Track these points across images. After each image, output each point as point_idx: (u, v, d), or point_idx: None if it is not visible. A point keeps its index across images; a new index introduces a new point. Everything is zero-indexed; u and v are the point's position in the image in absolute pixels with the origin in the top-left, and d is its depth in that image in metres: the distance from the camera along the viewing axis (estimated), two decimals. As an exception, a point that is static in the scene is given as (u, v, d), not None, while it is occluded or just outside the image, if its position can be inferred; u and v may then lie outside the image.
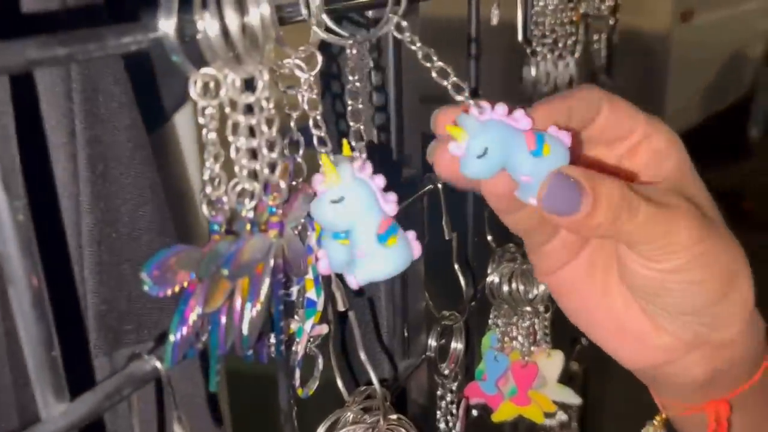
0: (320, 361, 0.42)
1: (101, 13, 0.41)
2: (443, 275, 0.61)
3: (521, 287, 0.66)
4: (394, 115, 0.51)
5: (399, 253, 0.34)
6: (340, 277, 0.39)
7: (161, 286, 0.29)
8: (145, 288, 0.29)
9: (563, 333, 0.62)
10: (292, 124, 0.35)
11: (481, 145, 0.33)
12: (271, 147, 0.32)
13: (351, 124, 0.35)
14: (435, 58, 0.35)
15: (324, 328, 0.41)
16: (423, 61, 0.36)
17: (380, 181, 0.34)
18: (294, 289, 0.37)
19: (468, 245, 0.65)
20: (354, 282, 0.34)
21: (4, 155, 0.26)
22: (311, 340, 0.40)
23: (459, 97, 0.35)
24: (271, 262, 0.32)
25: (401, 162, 0.53)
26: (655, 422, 0.49)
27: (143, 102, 0.45)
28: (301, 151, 0.35)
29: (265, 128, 0.31)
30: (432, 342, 0.59)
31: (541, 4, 0.66)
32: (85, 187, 0.41)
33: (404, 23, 0.36)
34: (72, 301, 0.40)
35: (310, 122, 0.35)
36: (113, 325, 0.43)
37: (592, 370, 0.97)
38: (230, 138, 0.31)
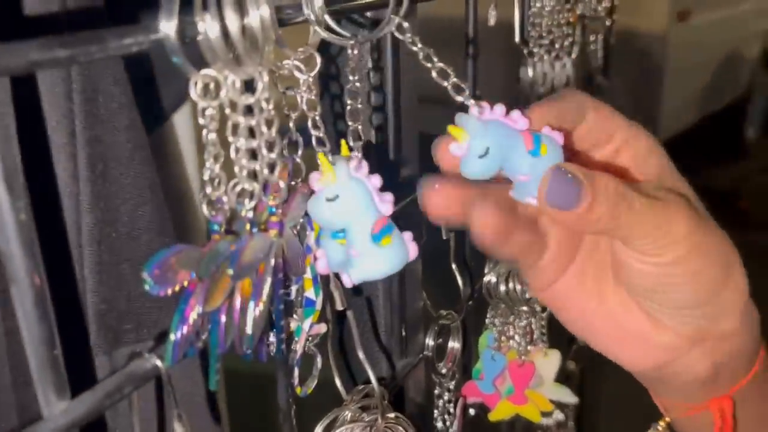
0: (319, 360, 0.42)
1: (101, 15, 0.41)
2: (441, 275, 0.62)
3: (518, 287, 0.66)
4: (392, 115, 0.51)
5: (393, 253, 0.34)
6: (338, 276, 0.39)
7: (162, 286, 0.29)
8: (146, 287, 0.29)
9: (560, 332, 0.62)
10: (291, 124, 0.36)
11: (483, 145, 0.34)
12: (270, 147, 0.32)
13: (349, 123, 0.36)
14: (435, 59, 0.36)
15: (322, 327, 0.41)
16: (423, 61, 0.36)
17: (376, 180, 0.34)
18: (293, 289, 0.37)
19: (465, 245, 0.65)
20: (348, 281, 0.35)
21: (6, 155, 0.26)
22: (310, 339, 0.40)
23: (459, 98, 0.35)
24: (272, 262, 0.33)
25: (399, 162, 0.53)
26: (659, 427, 0.49)
27: (142, 102, 0.45)
28: (299, 152, 0.36)
29: (264, 129, 0.32)
30: (429, 341, 0.59)
31: (538, 5, 0.66)
32: (85, 186, 0.41)
33: (405, 24, 0.36)
34: (73, 300, 0.40)
35: (309, 123, 0.35)
36: (113, 324, 0.43)
37: (588, 369, 0.97)
38: (230, 138, 0.31)
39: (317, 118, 0.35)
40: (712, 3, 3.64)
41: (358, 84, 0.36)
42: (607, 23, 0.80)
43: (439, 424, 0.62)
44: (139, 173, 0.44)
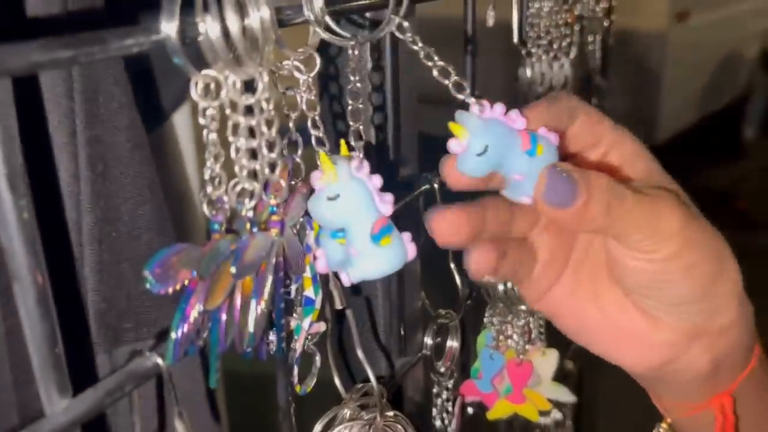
0: (318, 358, 0.42)
1: (102, 15, 0.42)
2: (439, 274, 0.62)
3: (516, 286, 0.66)
4: (392, 115, 0.52)
5: (392, 253, 0.35)
6: (337, 275, 0.39)
7: (163, 284, 0.29)
8: (147, 285, 0.29)
9: (558, 332, 0.63)
10: (290, 124, 0.36)
11: (483, 143, 0.34)
12: (270, 147, 0.32)
13: (351, 123, 0.36)
14: (436, 58, 0.36)
15: (322, 326, 0.41)
16: (425, 60, 0.37)
17: (377, 180, 0.35)
18: (292, 288, 0.38)
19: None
20: (347, 280, 0.35)
21: (8, 155, 0.26)
22: (309, 337, 0.41)
23: (460, 96, 0.36)
24: (273, 261, 0.33)
25: (398, 162, 0.54)
26: (662, 428, 0.49)
27: (142, 102, 0.45)
28: (299, 151, 0.36)
29: (264, 129, 0.32)
30: (428, 340, 0.59)
31: (536, 6, 0.67)
32: (86, 186, 0.41)
33: (406, 24, 0.37)
34: (74, 299, 0.41)
35: (309, 123, 0.35)
36: (113, 323, 0.43)
37: (586, 368, 0.97)
38: (231, 138, 0.32)
39: (317, 118, 0.35)
40: (711, 3, 3.65)
41: (359, 84, 0.37)
42: (605, 24, 0.80)
43: (438, 423, 0.62)
44: (138, 173, 0.45)
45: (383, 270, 0.35)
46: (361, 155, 0.35)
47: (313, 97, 0.35)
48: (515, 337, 0.66)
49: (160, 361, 0.32)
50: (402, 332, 0.58)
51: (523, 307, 0.66)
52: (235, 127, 0.32)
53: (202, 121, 0.31)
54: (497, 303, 0.67)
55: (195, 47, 0.29)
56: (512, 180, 0.36)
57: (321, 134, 0.35)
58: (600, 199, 0.35)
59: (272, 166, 0.33)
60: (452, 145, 0.34)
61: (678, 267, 0.37)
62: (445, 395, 0.62)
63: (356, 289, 0.55)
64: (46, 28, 0.38)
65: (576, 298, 0.41)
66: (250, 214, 0.33)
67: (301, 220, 0.36)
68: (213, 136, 0.31)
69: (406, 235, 0.35)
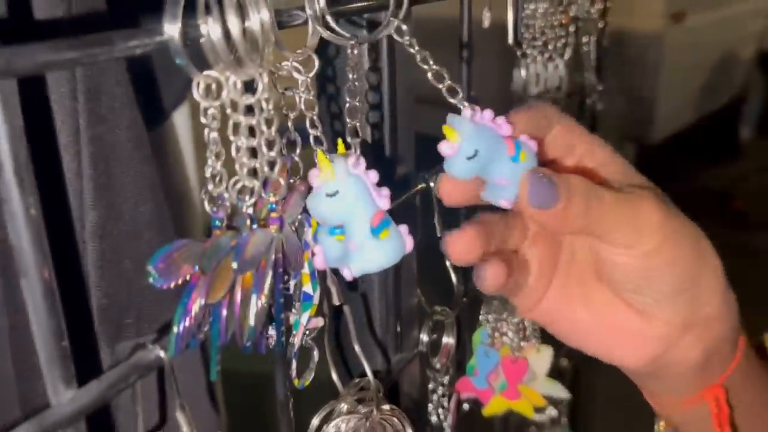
0: (316, 353, 0.43)
1: (105, 17, 0.42)
2: (435, 272, 0.63)
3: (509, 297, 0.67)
4: (388, 114, 0.53)
5: (391, 246, 0.36)
6: (335, 272, 0.40)
7: (166, 279, 0.30)
8: (150, 280, 0.30)
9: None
10: (289, 124, 0.37)
11: (474, 147, 0.35)
12: (270, 146, 0.33)
13: (348, 120, 0.37)
14: (431, 62, 0.37)
15: (320, 321, 0.42)
16: (420, 63, 0.38)
17: (374, 176, 0.36)
18: (291, 283, 0.39)
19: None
20: (348, 274, 0.36)
21: (16, 153, 0.27)
22: (307, 332, 0.41)
23: (453, 100, 0.37)
24: (273, 257, 0.34)
25: (395, 160, 0.55)
26: (662, 424, 0.50)
27: (142, 101, 0.46)
28: (298, 150, 0.37)
29: (264, 128, 0.33)
30: (424, 337, 0.60)
31: (531, 7, 0.67)
32: (88, 184, 0.42)
33: (404, 26, 0.38)
34: (79, 295, 0.42)
35: (307, 122, 0.36)
36: (114, 318, 0.44)
37: (581, 366, 0.98)
38: (231, 137, 0.33)
39: (315, 117, 0.36)
40: (707, 4, 3.65)
41: (357, 83, 0.38)
42: (600, 25, 0.81)
43: (434, 419, 0.63)
44: (139, 171, 0.45)
45: (383, 262, 0.36)
46: (358, 152, 0.36)
47: (311, 97, 0.36)
48: (510, 334, 0.67)
49: (162, 353, 0.33)
50: (398, 329, 0.59)
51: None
52: (236, 126, 0.32)
53: (203, 120, 0.31)
54: (492, 300, 0.68)
55: (197, 48, 0.30)
56: (493, 184, 0.37)
57: (319, 133, 0.36)
58: (580, 200, 0.36)
59: (271, 165, 0.34)
60: (443, 147, 0.36)
61: (661, 260, 0.38)
62: (440, 391, 0.62)
63: (353, 286, 0.56)
64: (50, 29, 0.39)
65: (567, 304, 0.42)
66: (250, 210, 0.34)
67: (300, 217, 0.37)
68: (214, 135, 0.32)
69: (404, 228, 0.36)
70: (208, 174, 0.32)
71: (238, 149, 0.33)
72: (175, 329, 0.32)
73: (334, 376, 0.46)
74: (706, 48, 3.86)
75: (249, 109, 0.33)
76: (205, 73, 0.31)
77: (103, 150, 0.43)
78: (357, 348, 0.46)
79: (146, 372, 0.33)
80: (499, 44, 0.67)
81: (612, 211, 0.37)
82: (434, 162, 0.37)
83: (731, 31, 4.02)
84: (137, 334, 0.46)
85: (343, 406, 0.46)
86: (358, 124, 0.37)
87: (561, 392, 0.71)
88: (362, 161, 0.36)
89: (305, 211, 0.37)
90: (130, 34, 0.29)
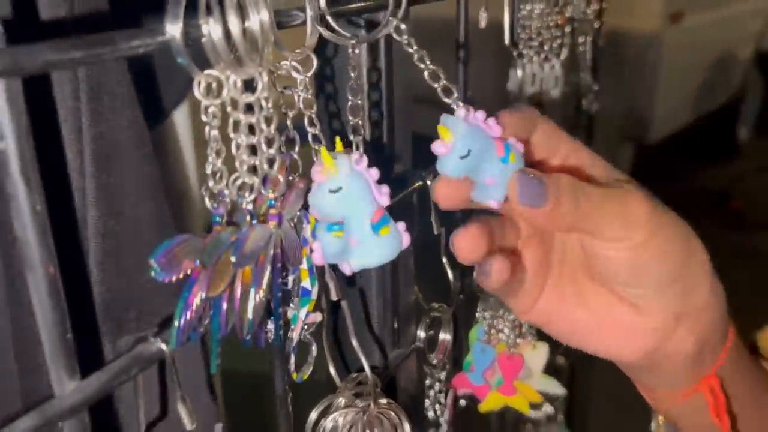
0: (314, 348, 0.44)
1: (106, 17, 0.43)
2: (432, 269, 0.63)
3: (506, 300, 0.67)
4: (386, 113, 0.53)
5: (390, 242, 0.36)
6: (333, 267, 0.41)
7: (167, 273, 0.31)
8: (153, 274, 0.31)
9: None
10: (288, 122, 0.37)
11: (467, 147, 0.36)
12: (269, 143, 0.34)
13: (350, 118, 0.38)
14: (428, 62, 0.38)
15: (318, 316, 0.43)
16: (417, 63, 0.38)
17: (375, 173, 0.36)
18: (290, 279, 0.39)
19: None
20: (348, 269, 0.37)
21: (22, 151, 0.28)
22: (306, 327, 0.42)
23: (447, 99, 0.38)
24: (272, 252, 0.35)
25: (392, 158, 0.55)
26: (660, 420, 0.51)
27: (143, 100, 0.47)
28: (296, 148, 0.38)
29: (264, 126, 0.34)
30: (421, 333, 0.61)
31: (527, 8, 0.68)
32: (90, 181, 0.43)
33: (403, 26, 0.38)
34: (82, 291, 0.42)
35: (306, 120, 0.37)
36: (116, 313, 0.45)
37: (578, 363, 0.99)
38: (231, 135, 0.33)
39: (313, 116, 0.37)
40: (705, 4, 3.66)
41: (358, 81, 0.38)
42: (596, 26, 0.82)
43: (430, 414, 0.64)
44: (141, 169, 0.46)
45: (382, 258, 0.37)
46: (361, 149, 0.37)
47: (309, 96, 0.37)
48: (506, 330, 0.68)
49: (164, 346, 0.34)
50: (396, 325, 0.60)
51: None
52: (236, 124, 0.33)
53: (204, 118, 0.32)
54: (489, 297, 0.68)
55: (198, 48, 0.31)
56: (483, 184, 0.38)
57: (317, 131, 0.37)
58: (569, 198, 0.37)
59: (271, 162, 0.35)
60: (437, 146, 0.36)
61: (651, 252, 0.39)
62: (437, 387, 0.63)
63: (351, 281, 0.57)
64: (53, 29, 0.39)
65: (562, 303, 0.43)
66: (250, 207, 0.34)
67: (299, 213, 0.38)
68: (215, 132, 0.32)
69: (401, 225, 0.37)
70: (208, 171, 0.33)
71: (238, 147, 0.33)
72: (176, 322, 0.33)
73: (332, 371, 0.47)
74: (704, 48, 3.86)
75: (249, 108, 0.33)
76: (206, 72, 0.32)
77: (104, 149, 0.43)
78: (354, 343, 0.47)
79: (148, 364, 0.34)
80: (495, 44, 0.68)
81: (601, 207, 0.38)
82: (431, 161, 0.38)
83: (729, 31, 4.03)
84: (138, 330, 0.46)
85: (341, 400, 0.47)
86: (359, 121, 0.38)
87: (557, 389, 0.71)
88: (365, 158, 0.36)
89: (304, 207, 0.37)
90: (132, 34, 0.30)
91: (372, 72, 0.52)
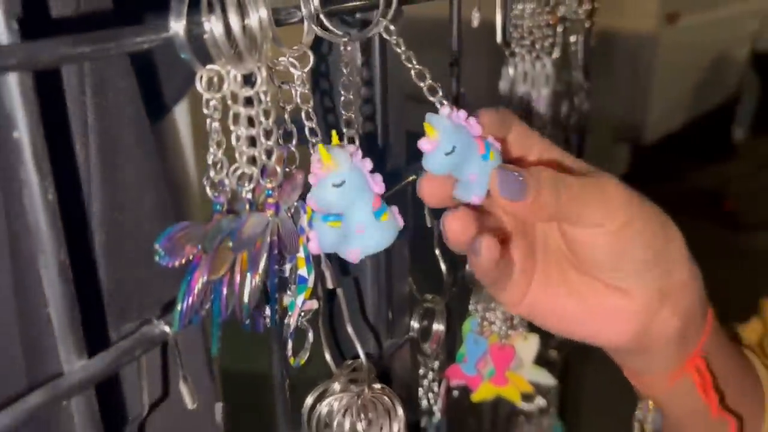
0: (310, 334, 0.45)
1: (109, 15, 0.45)
2: (426, 263, 0.65)
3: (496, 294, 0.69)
4: (380, 108, 0.55)
5: (391, 226, 0.39)
6: (329, 256, 0.43)
7: (171, 257, 0.33)
8: (157, 258, 0.33)
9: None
10: (286, 116, 0.39)
11: (452, 144, 0.38)
12: (268, 135, 0.36)
13: (343, 113, 0.40)
14: (415, 62, 0.40)
15: (314, 304, 0.44)
16: (405, 62, 0.40)
17: (368, 164, 0.38)
18: (287, 267, 0.41)
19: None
20: (354, 256, 0.38)
21: (35, 141, 0.29)
22: (302, 314, 0.44)
23: (432, 98, 0.39)
24: (268, 239, 0.36)
25: (386, 153, 0.57)
26: (650, 405, 0.53)
27: (145, 96, 0.48)
28: (294, 141, 0.39)
29: (262, 118, 0.35)
30: (414, 323, 0.63)
31: (519, 7, 0.70)
32: (95, 175, 0.44)
33: (392, 27, 0.40)
34: (87, 280, 0.44)
35: (303, 114, 0.39)
36: (118, 302, 0.46)
37: (571, 357, 1.00)
38: (231, 127, 0.35)
39: (310, 110, 0.39)
40: (701, 5, 3.68)
41: (350, 78, 0.40)
42: (587, 25, 0.84)
43: (424, 402, 0.65)
44: (143, 163, 0.47)
45: (386, 242, 0.39)
46: (357, 142, 0.39)
47: (306, 91, 0.39)
48: (498, 323, 0.70)
49: (167, 328, 0.35)
50: (390, 316, 0.61)
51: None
52: (236, 116, 0.35)
53: (206, 111, 0.34)
54: (481, 290, 0.70)
55: (200, 44, 0.33)
56: (465, 181, 0.39)
57: (314, 125, 0.39)
58: (549, 190, 0.39)
59: (269, 153, 0.36)
60: (423, 143, 0.38)
61: (631, 234, 0.41)
62: (431, 376, 0.65)
63: (345, 271, 0.59)
64: (58, 26, 0.41)
65: (550, 295, 0.45)
66: (249, 196, 0.36)
67: (296, 204, 0.39)
68: (216, 124, 0.34)
69: (394, 208, 0.39)
70: (210, 161, 0.35)
71: (237, 138, 0.35)
72: (179, 306, 0.34)
73: (328, 357, 0.48)
74: (699, 49, 3.88)
75: (248, 101, 0.35)
76: (208, 66, 0.33)
77: (109, 143, 0.45)
78: (350, 329, 0.48)
79: (151, 346, 0.35)
80: (488, 43, 0.70)
81: (581, 195, 0.40)
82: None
83: (725, 32, 4.04)
84: (140, 317, 0.48)
85: (336, 386, 0.49)
86: (353, 115, 0.40)
87: (547, 379, 0.73)
88: (359, 150, 0.38)
89: (301, 198, 0.39)
90: (138, 31, 0.31)
91: (364, 68, 0.53)
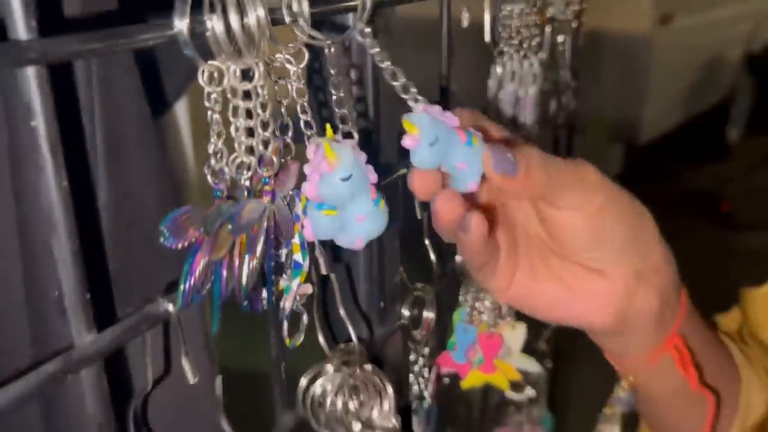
0: (305, 317, 0.48)
1: (113, 14, 0.47)
2: (416, 253, 0.67)
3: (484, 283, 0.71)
4: (372, 107, 0.57)
5: (386, 212, 0.41)
6: (323, 244, 0.45)
7: (175, 238, 0.35)
8: (162, 239, 0.35)
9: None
10: (282, 110, 0.42)
11: (433, 134, 0.40)
12: (264, 127, 0.39)
13: (336, 109, 0.42)
14: (388, 62, 0.42)
15: (309, 288, 0.46)
16: (378, 63, 0.42)
17: (363, 156, 0.41)
18: (283, 252, 0.43)
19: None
20: (361, 242, 0.41)
21: (50, 130, 0.32)
22: (297, 298, 0.46)
23: (406, 96, 0.41)
24: (265, 224, 0.39)
25: (378, 149, 0.59)
26: (622, 387, 0.55)
27: (147, 93, 0.51)
28: (290, 133, 0.42)
29: (260, 111, 0.38)
30: (405, 311, 0.65)
31: (508, 8, 0.72)
32: (102, 164, 0.47)
33: (367, 29, 0.42)
34: (96, 263, 0.46)
35: (298, 108, 0.41)
36: (123, 286, 0.49)
37: (560, 349, 1.02)
38: (231, 119, 0.38)
39: (305, 103, 0.41)
40: (695, 6, 3.70)
41: (339, 78, 0.43)
42: (574, 25, 0.86)
43: (415, 388, 0.68)
44: (146, 156, 0.50)
45: (384, 226, 0.42)
46: (356, 137, 0.41)
47: (302, 86, 0.41)
48: (487, 312, 0.72)
49: (170, 307, 0.38)
50: (382, 304, 0.64)
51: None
52: (235, 109, 0.38)
53: (207, 104, 0.37)
54: (471, 281, 0.73)
55: (202, 41, 0.35)
56: (455, 169, 0.41)
57: (309, 118, 0.41)
58: (538, 166, 0.41)
59: (266, 144, 0.39)
60: (406, 140, 0.40)
61: (608, 216, 0.44)
62: (421, 362, 0.67)
63: (338, 258, 0.61)
64: (62, 24, 0.43)
65: (535, 281, 0.47)
66: (247, 183, 0.39)
67: (291, 192, 0.42)
68: (216, 116, 0.37)
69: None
70: (210, 150, 0.37)
71: (237, 129, 0.38)
72: (181, 286, 0.37)
73: (321, 340, 0.51)
74: (693, 50, 3.90)
75: (246, 95, 0.38)
76: (209, 62, 0.36)
77: (114, 137, 0.47)
78: (342, 312, 0.51)
79: (156, 322, 0.38)
80: (477, 42, 0.72)
81: (563, 176, 0.42)
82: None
83: (719, 33, 4.07)
84: (143, 301, 0.50)
85: (329, 367, 0.51)
86: (346, 112, 0.42)
87: (534, 367, 0.75)
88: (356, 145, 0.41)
89: (296, 187, 0.42)
90: (145, 29, 0.34)
91: (357, 68, 0.56)
